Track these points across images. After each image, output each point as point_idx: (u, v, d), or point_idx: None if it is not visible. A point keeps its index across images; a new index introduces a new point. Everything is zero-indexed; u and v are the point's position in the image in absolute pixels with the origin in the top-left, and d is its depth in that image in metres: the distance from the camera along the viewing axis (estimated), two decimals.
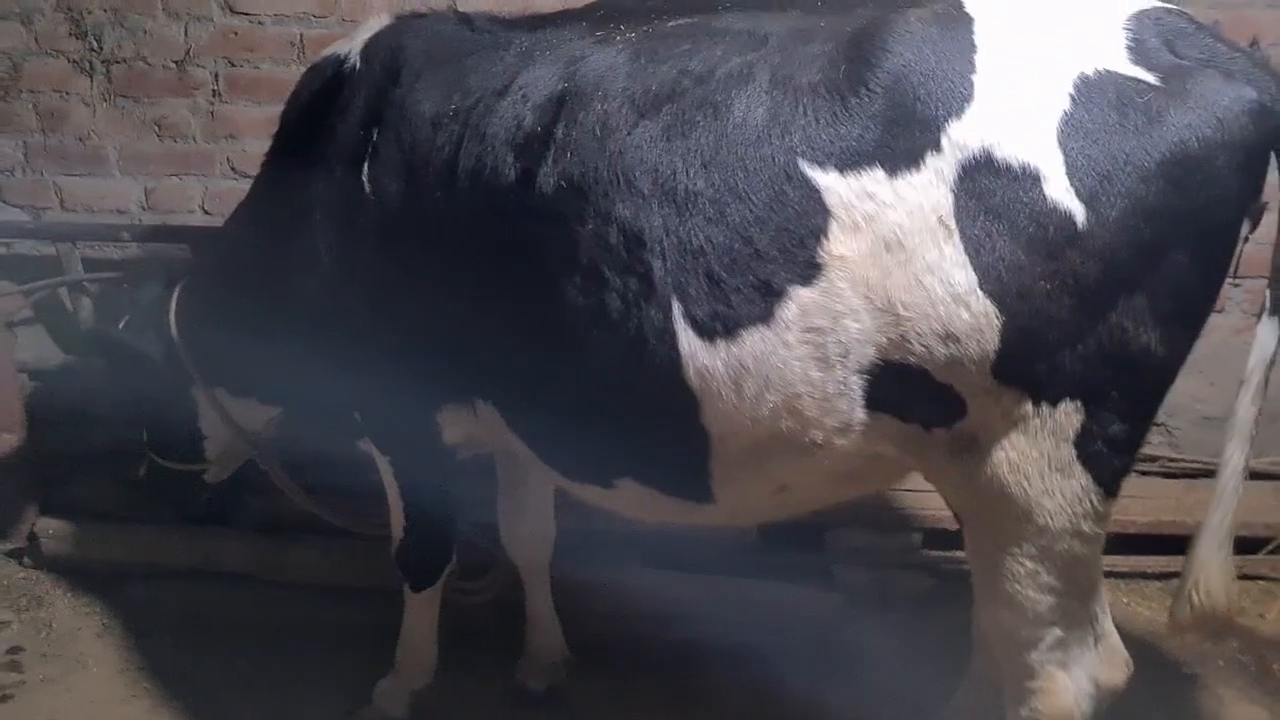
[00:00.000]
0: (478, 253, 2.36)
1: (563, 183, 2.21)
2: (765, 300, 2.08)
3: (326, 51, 2.69)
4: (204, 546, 3.56)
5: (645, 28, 2.31)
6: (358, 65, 2.56)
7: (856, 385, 2.10)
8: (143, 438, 3.25)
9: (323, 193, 2.55)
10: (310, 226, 2.59)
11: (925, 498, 3.72)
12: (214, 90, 3.68)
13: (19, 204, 3.79)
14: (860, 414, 2.14)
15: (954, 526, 3.63)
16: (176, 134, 3.72)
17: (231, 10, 3.62)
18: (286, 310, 2.71)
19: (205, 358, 3.04)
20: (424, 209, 2.41)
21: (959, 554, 3.57)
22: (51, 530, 3.65)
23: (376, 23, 2.63)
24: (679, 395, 2.20)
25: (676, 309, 2.14)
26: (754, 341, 2.11)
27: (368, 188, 2.47)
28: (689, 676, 3.29)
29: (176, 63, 3.66)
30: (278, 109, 3.49)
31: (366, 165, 2.46)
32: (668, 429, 2.28)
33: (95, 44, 3.65)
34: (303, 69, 3.46)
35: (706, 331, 2.13)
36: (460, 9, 2.77)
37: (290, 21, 3.62)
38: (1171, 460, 3.90)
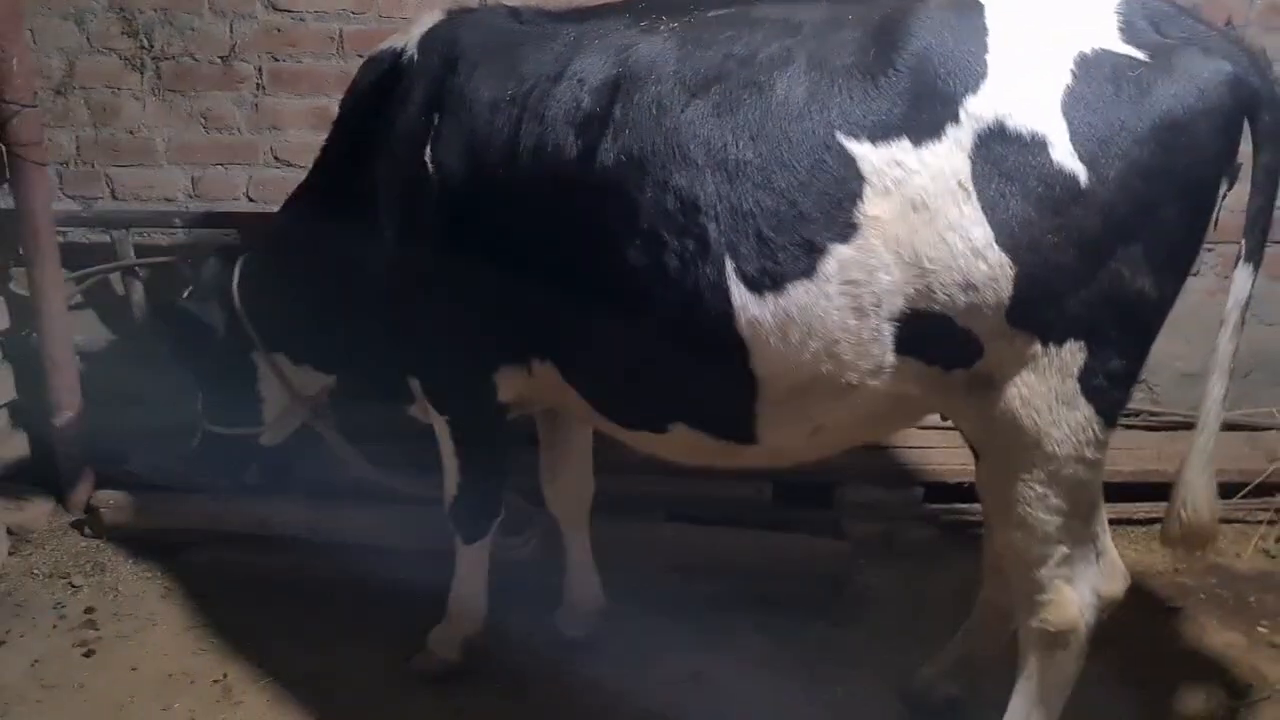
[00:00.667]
0: (539, 223, 2.59)
1: (623, 156, 2.45)
2: (808, 257, 2.33)
3: (383, 45, 2.89)
4: (258, 513, 3.73)
5: (687, 18, 2.56)
6: (415, 57, 2.78)
7: (888, 331, 2.36)
8: (198, 407, 3.43)
9: (386, 173, 2.76)
10: (373, 204, 2.80)
11: (928, 454, 4.00)
12: (258, 84, 3.87)
13: (72, 195, 3.96)
14: (890, 357, 2.39)
15: (954, 480, 3.93)
16: (222, 125, 3.90)
17: (274, 8, 3.80)
18: (347, 283, 2.94)
19: (266, 326, 3.24)
20: (485, 185, 2.64)
21: (960, 506, 3.89)
22: (111, 501, 3.83)
23: (430, 17, 2.84)
24: (730, 344, 2.44)
25: (729, 266, 2.38)
26: (798, 294, 2.36)
27: (430, 168, 2.69)
28: (714, 620, 3.51)
29: (222, 58, 3.84)
30: (318, 101, 3.84)
31: (429, 147, 2.68)
32: (719, 375, 2.52)
33: (146, 42, 3.82)
34: (342, 63, 3.82)
35: (756, 286, 2.38)
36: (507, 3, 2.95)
37: (330, 18, 3.81)
38: (1153, 414, 4.21)
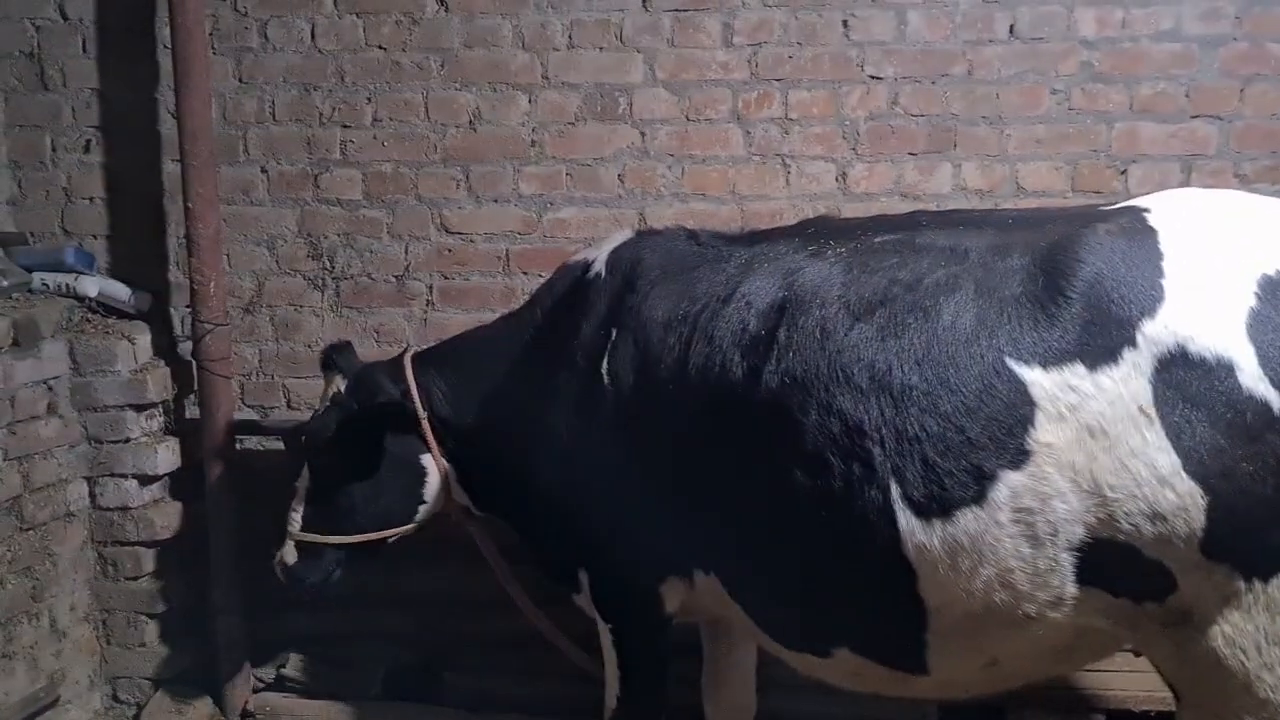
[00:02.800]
0: (707, 438, 2.63)
1: (787, 379, 2.49)
2: (978, 483, 2.29)
3: (578, 255, 3.13)
4: None
5: (854, 244, 2.63)
6: (603, 274, 2.96)
7: (1067, 561, 2.27)
8: (300, 517, 3.22)
9: (566, 380, 2.89)
10: (551, 407, 2.92)
11: (1108, 678, 3.73)
12: (428, 300, 4.06)
13: (252, 404, 4.18)
14: (1071, 588, 2.29)
15: (1139, 708, 3.65)
16: (392, 339, 4.07)
17: (447, 230, 4.02)
18: (522, 466, 3.00)
19: (448, 436, 3.19)
20: (656, 400, 2.72)
21: None
22: (268, 706, 3.88)
23: (620, 236, 3.06)
24: (897, 569, 2.39)
25: (895, 491, 2.35)
26: (968, 520, 2.31)
27: (606, 379, 2.80)
28: None
29: (396, 277, 4.06)
30: (482, 315, 3.89)
31: (605, 360, 2.81)
32: (886, 601, 2.46)
33: (329, 263, 4.07)
34: (507, 279, 3.99)
35: (923, 511, 2.34)
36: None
37: (498, 239, 4.01)
38: None
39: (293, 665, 4.08)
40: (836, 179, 3.87)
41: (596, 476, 2.85)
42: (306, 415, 4.04)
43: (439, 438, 3.17)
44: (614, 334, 2.84)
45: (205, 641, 4.07)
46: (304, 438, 3.26)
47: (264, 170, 4.09)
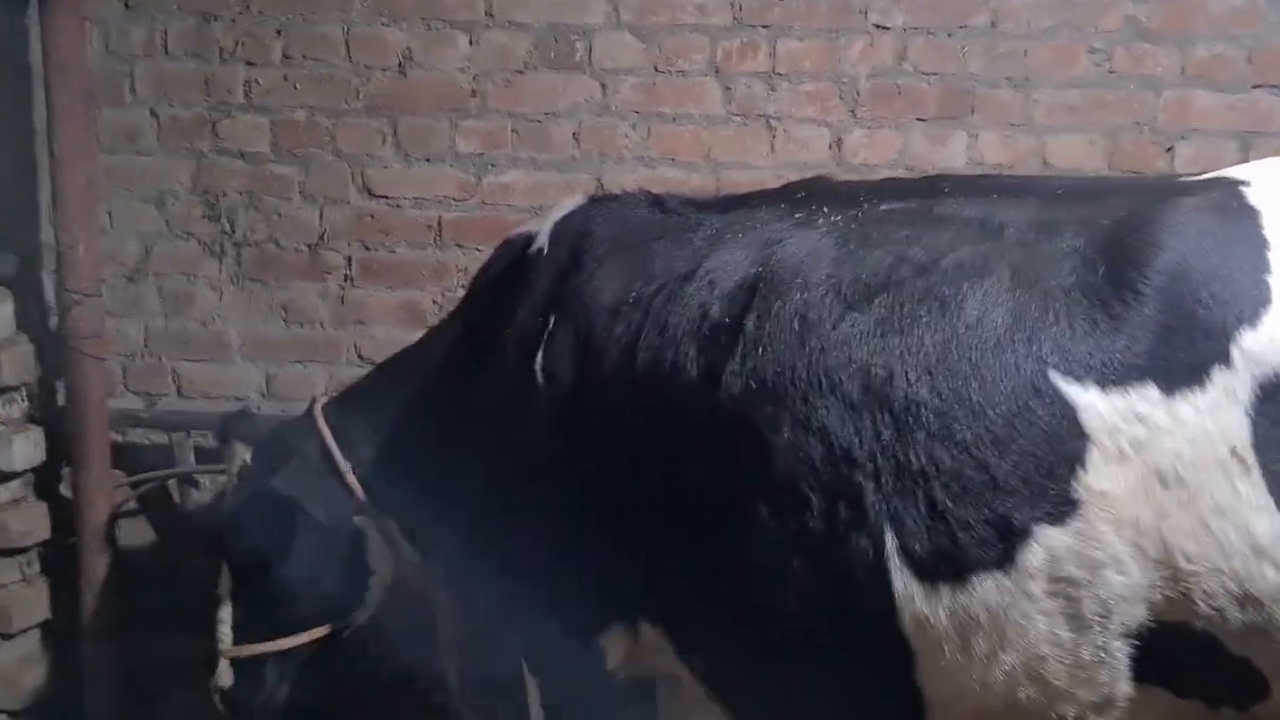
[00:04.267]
0: (653, 456, 2.12)
1: (752, 383, 1.96)
2: (1003, 540, 1.75)
3: (521, 228, 2.73)
4: None
5: (854, 211, 2.07)
6: (545, 248, 2.48)
7: (1120, 652, 1.74)
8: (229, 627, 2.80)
9: (494, 380, 2.44)
10: (478, 410, 2.47)
11: None
12: (346, 274, 3.54)
13: (136, 390, 3.64)
14: (1125, 687, 1.76)
15: None
16: (304, 319, 3.55)
17: (370, 193, 3.51)
18: (449, 496, 2.55)
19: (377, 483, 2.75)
20: (597, 405, 2.23)
21: None
22: None
23: (570, 203, 2.59)
24: (889, 646, 1.85)
25: (890, 542, 1.81)
26: (987, 589, 1.76)
27: (540, 378, 2.31)
28: None
29: (309, 246, 3.54)
30: (410, 294, 3.50)
31: (540, 354, 2.32)
32: (872, 688, 1.93)
33: (228, 226, 3.54)
34: (439, 253, 3.49)
35: (927, 572, 1.80)
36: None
37: (430, 205, 3.50)
38: None
39: (174, 700, 3.52)
40: (830, 146, 3.37)
41: (526, 500, 2.37)
42: (199, 405, 3.58)
43: (371, 489, 2.70)
44: (552, 321, 2.36)
45: (71, 667, 3.53)
46: (215, 530, 2.85)
47: (153, 114, 3.53)
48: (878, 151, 3.34)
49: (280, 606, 2.71)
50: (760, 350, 1.96)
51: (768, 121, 3.38)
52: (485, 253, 2.92)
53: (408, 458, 2.67)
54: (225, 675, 2.75)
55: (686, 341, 2.08)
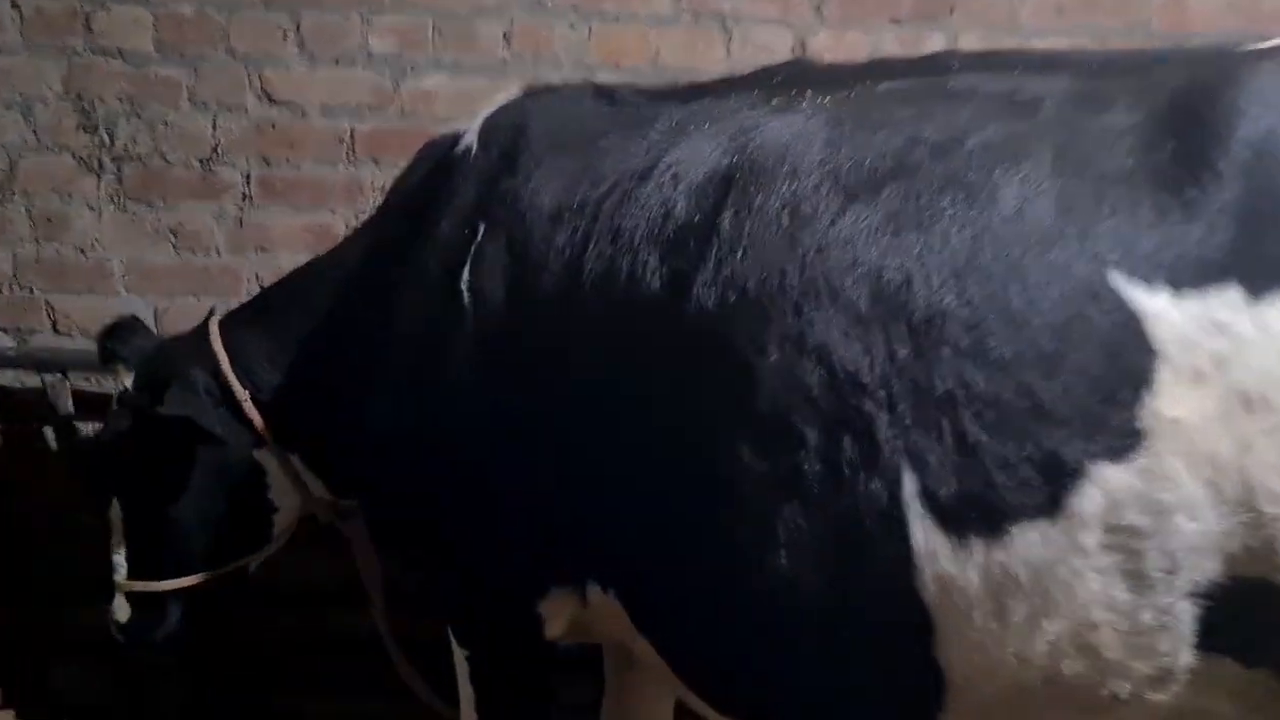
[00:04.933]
0: (606, 389, 1.79)
1: (730, 294, 1.62)
2: (1051, 482, 1.43)
3: (446, 131, 2.40)
4: None
5: (845, 92, 1.73)
6: (474, 148, 2.14)
7: (1186, 615, 1.43)
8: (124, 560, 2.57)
9: (413, 300, 2.11)
10: (394, 334, 2.15)
11: None
12: (244, 193, 3.14)
13: (3, 326, 3.21)
14: (1187, 657, 1.45)
15: None
16: (196, 245, 3.15)
17: (271, 99, 3.10)
18: (359, 429, 2.23)
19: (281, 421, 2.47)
20: (536, 327, 1.90)
21: None
22: None
23: (503, 97, 2.26)
24: (903, 614, 1.53)
25: (909, 485, 1.49)
26: (1030, 543, 1.44)
27: (466, 297, 1.98)
28: None
29: (201, 160, 3.13)
30: (318, 216, 3.11)
31: (467, 269, 2.00)
32: (880, 662, 1.60)
33: (106, 138, 3.10)
34: (352, 170, 3.11)
35: (955, 523, 1.47)
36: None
37: (340, 113, 3.11)
38: None
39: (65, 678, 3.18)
40: (792, 49, 3.11)
41: (450, 440, 2.04)
42: (78, 343, 3.17)
43: (273, 421, 2.41)
44: (481, 231, 2.03)
45: None
46: (95, 459, 2.59)
47: (15, 5, 3.08)
48: (845, 55, 3.05)
49: (173, 543, 2.49)
50: (739, 254, 1.63)
51: (723, 21, 3.11)
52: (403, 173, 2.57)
53: (314, 386, 2.36)
54: (121, 609, 2.56)
55: (646, 248, 1.74)
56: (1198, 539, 1.38)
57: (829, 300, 1.53)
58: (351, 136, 3.14)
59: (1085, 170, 1.47)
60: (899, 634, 1.53)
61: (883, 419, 1.49)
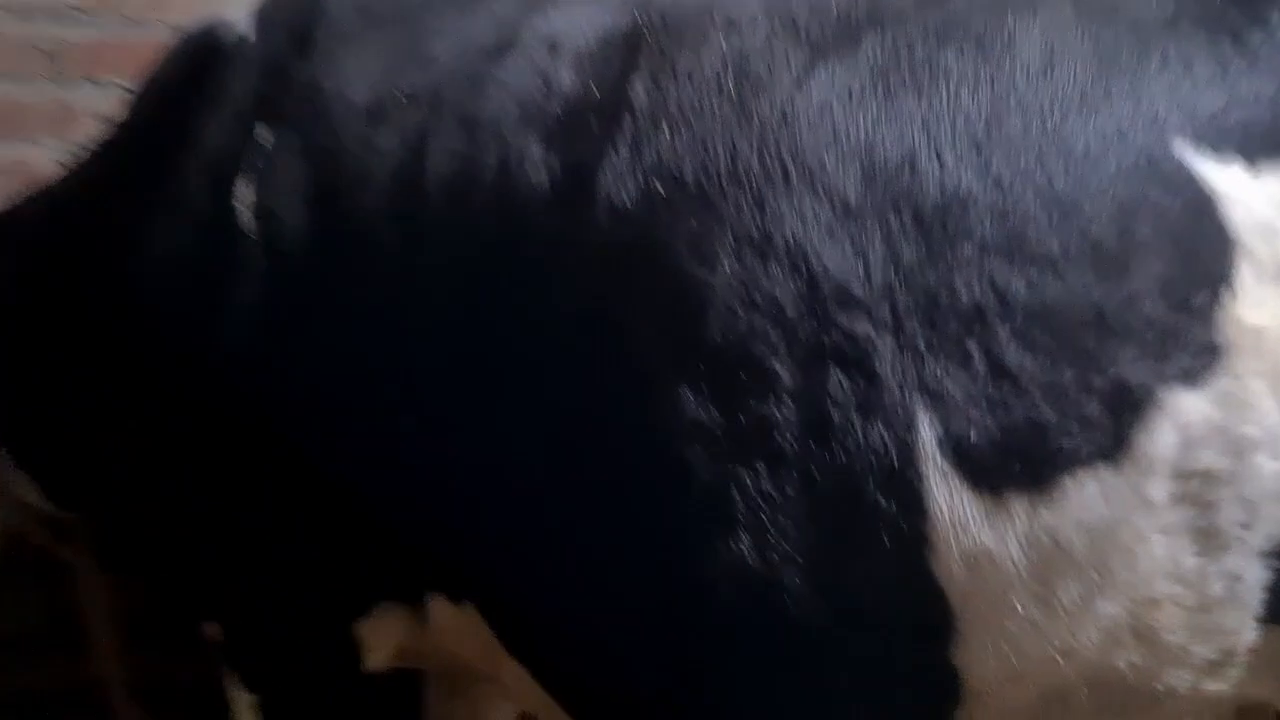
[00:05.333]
0: (468, 332, 1.38)
1: (657, 185, 1.23)
2: (1114, 414, 1.11)
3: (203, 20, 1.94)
4: None
5: None
6: (250, 37, 1.71)
7: (1255, 581, 1.16)
8: None
9: (165, 233, 1.65)
10: (140, 282, 1.70)
11: None
12: None
13: None
14: (1250, 634, 1.18)
15: None
16: None
17: None
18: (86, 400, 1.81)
19: None
20: (354, 260, 1.46)
21: None
22: None
23: None
24: (912, 611, 1.18)
25: (925, 431, 1.13)
26: (1088, 498, 1.12)
27: (248, 224, 1.55)
28: None
29: None
30: (16, 150, 2.58)
31: (249, 186, 1.57)
32: (873, 674, 1.24)
33: None
34: (61, 90, 2.60)
35: (988, 476, 1.13)
36: None
37: (41, 17, 2.56)
38: None
39: None
40: None
41: (225, 422, 1.62)
42: None
43: None
44: (266, 137, 1.60)
45: None
46: None
47: None
48: None
49: None
50: (664, 131, 1.24)
51: None
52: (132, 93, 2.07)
53: (28, 365, 1.90)
54: None
55: (521, 136, 1.34)
56: (1277, 483, 1.12)
57: (804, 186, 1.17)
58: (59, 49, 2.62)
59: (1117, 13, 1.20)
60: (902, 639, 1.19)
61: (886, 344, 1.13)
